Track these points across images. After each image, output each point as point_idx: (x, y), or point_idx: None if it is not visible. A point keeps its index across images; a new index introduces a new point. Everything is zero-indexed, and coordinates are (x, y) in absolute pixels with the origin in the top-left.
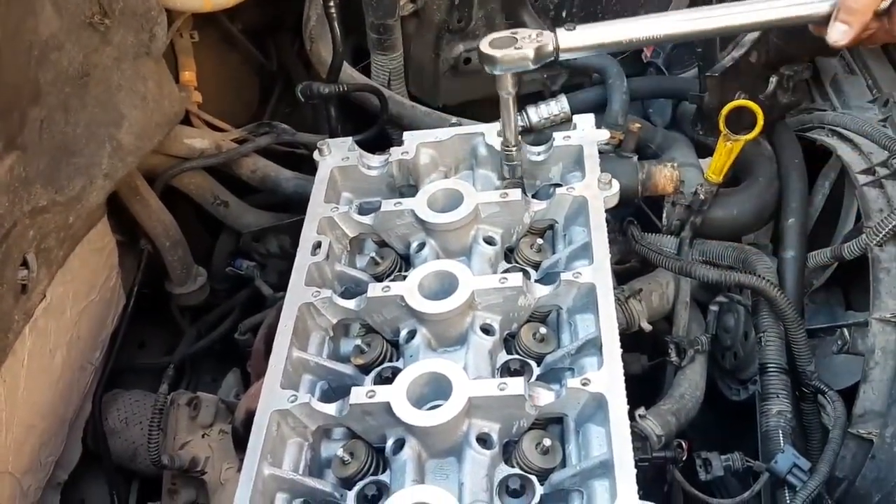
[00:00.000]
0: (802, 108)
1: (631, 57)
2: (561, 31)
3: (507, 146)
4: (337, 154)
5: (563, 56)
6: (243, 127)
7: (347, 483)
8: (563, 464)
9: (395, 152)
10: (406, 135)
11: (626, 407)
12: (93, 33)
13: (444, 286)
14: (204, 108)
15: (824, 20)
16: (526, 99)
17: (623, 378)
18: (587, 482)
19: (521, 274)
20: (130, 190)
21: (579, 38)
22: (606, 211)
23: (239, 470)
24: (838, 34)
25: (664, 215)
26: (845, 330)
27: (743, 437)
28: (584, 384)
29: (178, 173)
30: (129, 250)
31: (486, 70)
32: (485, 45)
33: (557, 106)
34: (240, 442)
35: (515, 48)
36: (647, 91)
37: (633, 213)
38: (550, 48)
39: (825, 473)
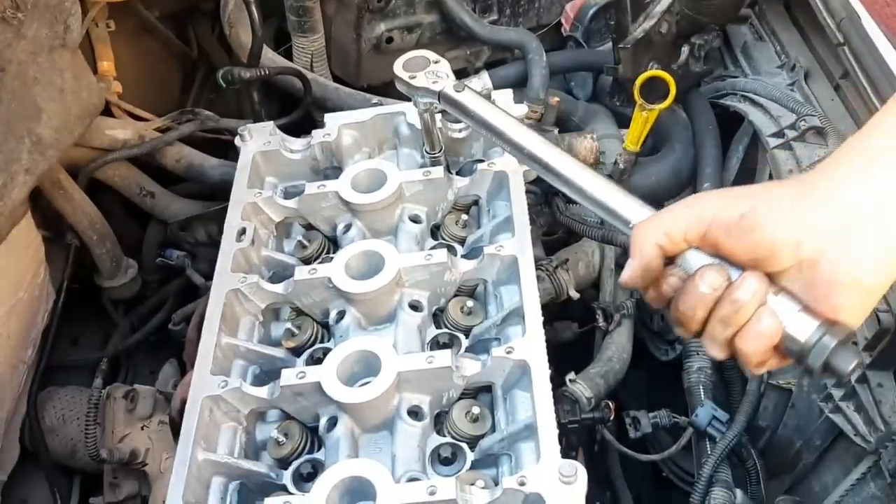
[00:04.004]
0: (716, 75)
1: (551, 31)
2: (451, 85)
3: (432, 153)
4: (258, 139)
5: (441, 105)
6: (166, 115)
7: (284, 463)
8: (493, 430)
9: (317, 135)
10: (327, 117)
11: (548, 371)
12: (6, 27)
13: (370, 266)
14: (125, 97)
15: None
16: None
17: (544, 344)
18: (514, 445)
19: (445, 250)
20: (53, 184)
21: (460, 98)
22: (533, 183)
23: None
24: (624, 272)
25: None
26: None
27: (675, 395)
28: (508, 352)
29: (102, 165)
30: (57, 246)
31: None
32: (398, 65)
33: (480, 83)
34: (177, 431)
35: (410, 76)
36: (566, 65)
37: None
38: (434, 90)
39: (742, 423)
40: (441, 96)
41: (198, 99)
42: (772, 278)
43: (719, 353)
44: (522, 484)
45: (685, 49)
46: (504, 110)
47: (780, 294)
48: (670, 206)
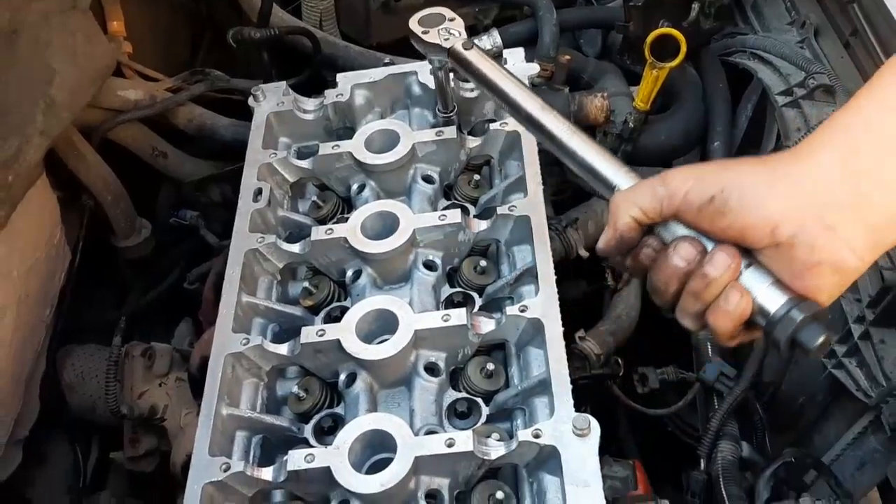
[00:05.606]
0: (726, 32)
1: None
2: (460, 43)
3: (445, 112)
4: (272, 99)
5: (450, 63)
6: (177, 76)
7: (304, 417)
8: (507, 385)
9: (330, 95)
10: (340, 76)
11: (562, 329)
12: None
13: (385, 226)
14: (135, 58)
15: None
16: None
17: (558, 303)
18: (528, 400)
19: (459, 210)
20: (68, 146)
21: (468, 56)
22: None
23: (198, 414)
24: (600, 241)
25: None
26: None
27: (684, 353)
28: (521, 311)
29: (114, 126)
30: (72, 206)
31: None
32: (414, 20)
33: (490, 40)
34: (197, 387)
35: (423, 31)
36: (576, 22)
37: None
38: (445, 47)
39: (749, 379)
40: (450, 53)
41: (207, 59)
42: (748, 251)
43: (692, 326)
44: (537, 436)
45: (695, 6)
46: (509, 72)
47: (753, 267)
48: (649, 179)
